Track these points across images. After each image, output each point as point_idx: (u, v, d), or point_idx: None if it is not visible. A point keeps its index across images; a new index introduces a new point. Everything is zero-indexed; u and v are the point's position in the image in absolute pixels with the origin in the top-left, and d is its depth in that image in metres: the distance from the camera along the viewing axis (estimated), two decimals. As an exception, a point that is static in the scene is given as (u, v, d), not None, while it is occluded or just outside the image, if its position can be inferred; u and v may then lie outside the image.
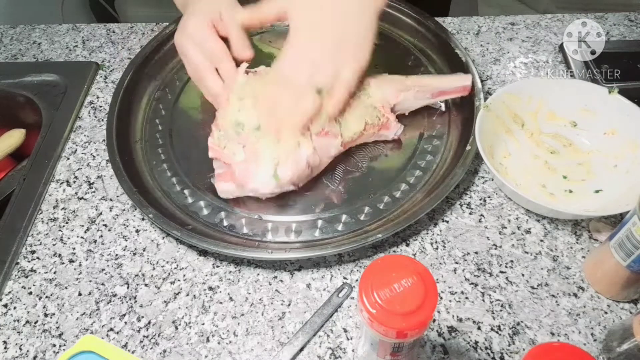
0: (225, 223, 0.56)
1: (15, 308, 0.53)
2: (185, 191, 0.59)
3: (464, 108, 0.64)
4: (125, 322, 0.51)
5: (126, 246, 0.57)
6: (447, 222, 0.56)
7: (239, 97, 0.56)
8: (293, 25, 0.56)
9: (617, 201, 0.53)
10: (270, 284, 0.53)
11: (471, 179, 0.60)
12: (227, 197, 0.57)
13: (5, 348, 0.50)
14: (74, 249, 0.57)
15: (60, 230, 0.58)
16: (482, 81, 0.63)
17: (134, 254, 0.56)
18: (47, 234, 0.58)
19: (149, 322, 0.51)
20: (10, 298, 0.53)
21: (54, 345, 0.50)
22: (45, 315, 0.52)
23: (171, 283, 0.53)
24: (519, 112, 0.61)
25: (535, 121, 0.62)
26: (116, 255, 0.56)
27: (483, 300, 0.50)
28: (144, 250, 0.56)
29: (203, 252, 0.55)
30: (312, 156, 0.55)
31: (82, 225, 0.59)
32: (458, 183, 0.59)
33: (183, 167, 0.62)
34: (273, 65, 0.57)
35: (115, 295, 0.53)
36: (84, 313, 0.52)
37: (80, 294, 0.53)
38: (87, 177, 0.63)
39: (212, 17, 0.60)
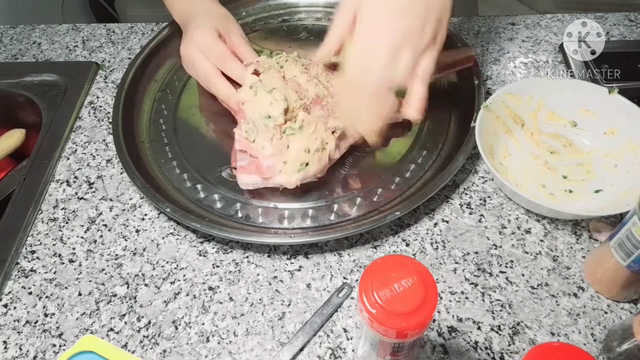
0: (240, 214, 0.57)
1: (15, 308, 0.53)
2: (198, 186, 0.60)
3: (463, 87, 0.65)
4: (125, 322, 0.51)
5: (126, 246, 0.57)
6: (447, 222, 0.56)
7: (266, 90, 0.57)
8: (363, 20, 0.50)
9: (617, 201, 0.53)
10: (270, 284, 0.53)
11: (471, 179, 0.60)
12: (248, 188, 0.58)
13: (5, 348, 0.50)
14: (74, 249, 0.57)
15: (60, 230, 0.58)
16: (482, 81, 0.63)
17: (134, 254, 0.56)
18: (47, 234, 0.58)
19: (149, 322, 0.51)
20: (10, 298, 0.53)
21: (54, 345, 0.50)
22: (45, 315, 0.52)
23: (171, 283, 0.53)
24: (519, 112, 0.61)
25: (535, 121, 0.62)
26: (116, 255, 0.56)
27: (483, 300, 0.50)
28: (144, 250, 0.56)
29: (203, 252, 0.55)
30: (334, 151, 0.56)
31: (82, 225, 0.59)
32: (459, 183, 0.59)
33: (192, 164, 0.62)
34: (346, 62, 0.52)
35: (115, 295, 0.53)
36: (84, 313, 0.52)
37: (80, 294, 0.53)
38: (87, 177, 0.63)
39: (217, 27, 0.63)
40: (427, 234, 0.55)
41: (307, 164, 0.54)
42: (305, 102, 0.58)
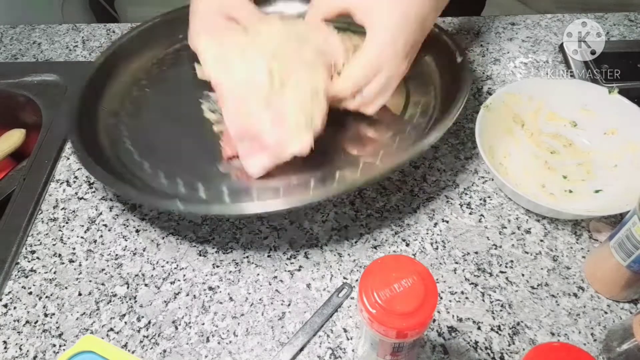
0: (228, 199, 0.53)
1: (15, 308, 0.53)
2: (198, 185, 0.55)
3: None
4: (125, 322, 0.51)
5: (126, 246, 0.57)
6: (447, 222, 0.56)
7: (236, 56, 0.52)
8: (371, 27, 0.52)
9: (617, 201, 0.53)
10: (270, 284, 0.53)
11: (471, 179, 0.60)
12: (262, 174, 0.52)
13: (5, 348, 0.50)
14: (74, 249, 0.57)
15: (60, 230, 0.58)
16: (482, 81, 0.63)
17: (134, 254, 0.56)
18: (47, 234, 0.58)
19: (149, 322, 0.51)
20: (10, 298, 0.53)
21: (54, 345, 0.50)
22: (45, 315, 0.52)
23: (171, 283, 0.53)
24: (519, 112, 0.61)
25: (535, 121, 0.62)
26: (116, 255, 0.56)
27: (483, 300, 0.50)
28: (144, 250, 0.56)
29: (203, 252, 0.55)
30: (328, 88, 0.51)
31: (82, 225, 0.59)
32: (459, 183, 0.59)
33: (182, 167, 0.58)
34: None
35: (115, 295, 0.53)
36: (84, 313, 0.52)
37: (80, 294, 0.53)
38: (87, 177, 0.63)
39: (222, 10, 0.59)
40: (427, 234, 0.55)
41: (311, 118, 0.49)
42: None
